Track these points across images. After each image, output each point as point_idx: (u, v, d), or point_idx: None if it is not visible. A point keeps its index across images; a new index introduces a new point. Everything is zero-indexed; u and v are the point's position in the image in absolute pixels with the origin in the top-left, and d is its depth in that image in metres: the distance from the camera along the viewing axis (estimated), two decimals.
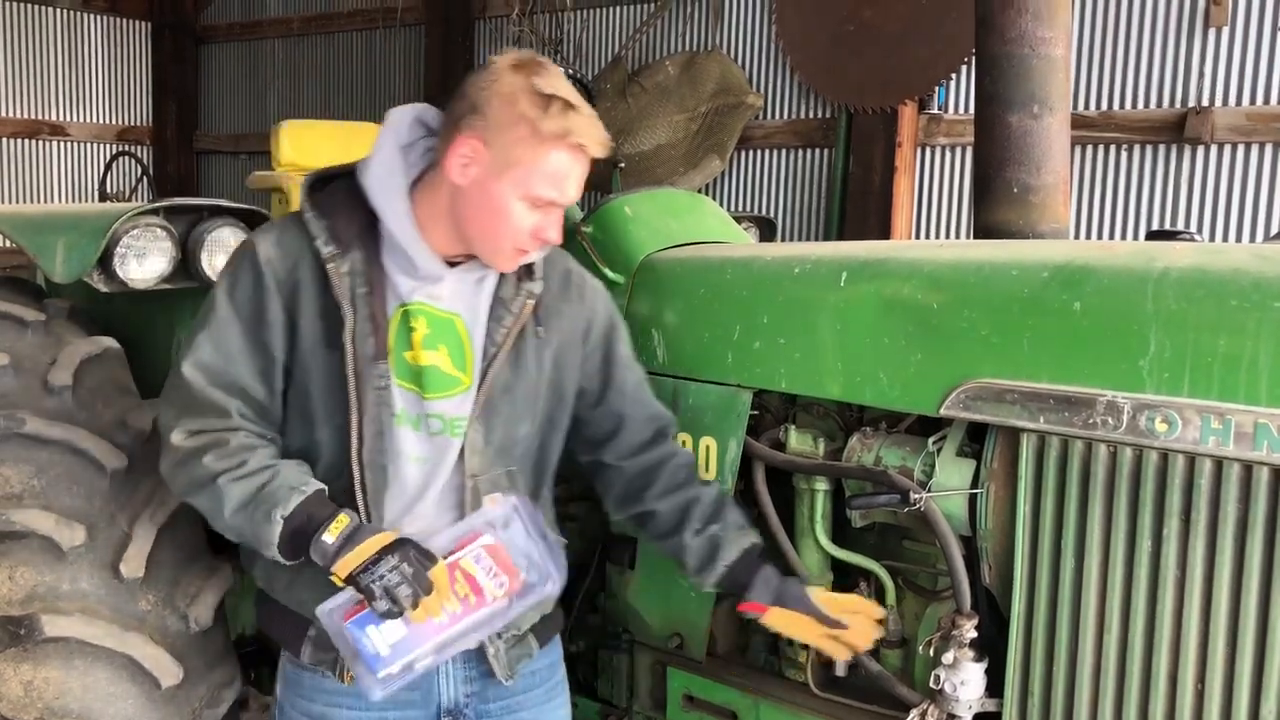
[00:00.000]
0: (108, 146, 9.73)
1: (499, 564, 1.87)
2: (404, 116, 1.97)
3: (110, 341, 2.58)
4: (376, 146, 1.95)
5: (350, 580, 1.79)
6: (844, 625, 2.02)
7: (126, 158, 9.42)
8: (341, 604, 1.83)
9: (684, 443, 2.32)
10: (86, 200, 9.49)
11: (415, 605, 1.77)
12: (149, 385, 2.71)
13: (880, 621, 2.07)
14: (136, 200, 8.14)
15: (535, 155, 1.83)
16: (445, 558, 1.85)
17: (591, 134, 1.86)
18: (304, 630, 1.95)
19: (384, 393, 1.88)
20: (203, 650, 2.35)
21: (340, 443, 1.89)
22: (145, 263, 2.58)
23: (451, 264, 1.94)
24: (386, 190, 1.91)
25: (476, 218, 1.88)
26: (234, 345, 1.89)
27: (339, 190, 1.96)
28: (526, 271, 2.00)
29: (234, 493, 1.84)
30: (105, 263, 2.52)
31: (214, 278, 2.71)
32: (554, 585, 1.94)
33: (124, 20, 9.85)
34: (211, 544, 2.55)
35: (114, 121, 9.86)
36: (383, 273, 1.91)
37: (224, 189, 9.62)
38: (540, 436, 2.05)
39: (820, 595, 2.06)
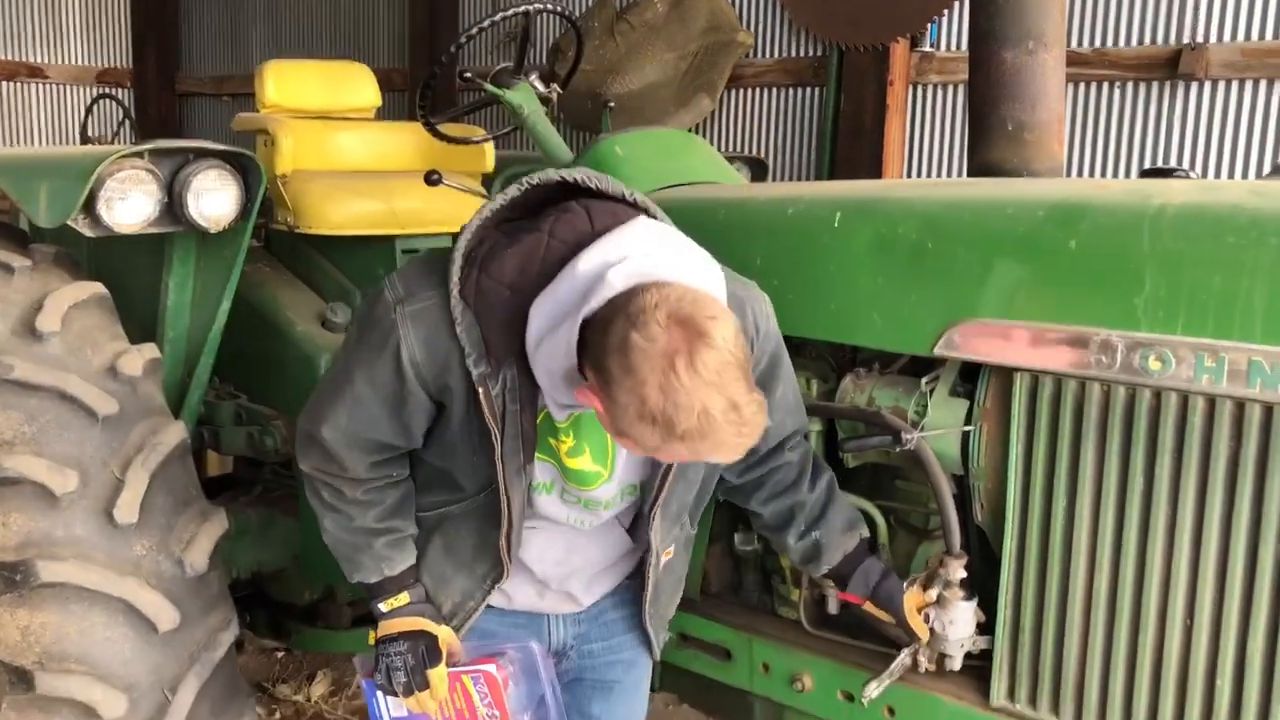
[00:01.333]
0: (88, 89, 9.58)
1: (494, 696, 1.94)
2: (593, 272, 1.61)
3: (98, 286, 2.56)
4: (558, 284, 1.63)
5: (376, 645, 1.95)
6: (920, 639, 2.02)
7: (108, 100, 9.27)
8: (369, 662, 2.01)
9: None
10: (68, 144, 9.37)
11: (407, 694, 1.92)
12: (136, 329, 2.70)
13: None
14: (119, 144, 8.03)
15: (657, 448, 1.57)
16: (456, 664, 1.95)
17: (724, 443, 1.55)
18: None
19: (525, 471, 1.81)
20: (198, 594, 2.36)
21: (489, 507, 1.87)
22: (130, 206, 2.55)
23: None
24: (552, 374, 1.66)
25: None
26: (374, 416, 1.80)
27: (497, 295, 1.68)
28: None
29: (331, 535, 1.95)
30: (90, 207, 2.49)
31: (200, 221, 2.68)
32: None
33: None
34: (205, 489, 2.55)
35: (93, 63, 9.69)
36: (534, 390, 1.73)
37: (207, 131, 9.49)
38: (704, 479, 1.99)
39: (912, 600, 2.02)
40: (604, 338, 1.53)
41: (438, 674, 1.92)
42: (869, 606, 2.07)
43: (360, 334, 1.80)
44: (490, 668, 1.94)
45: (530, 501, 1.88)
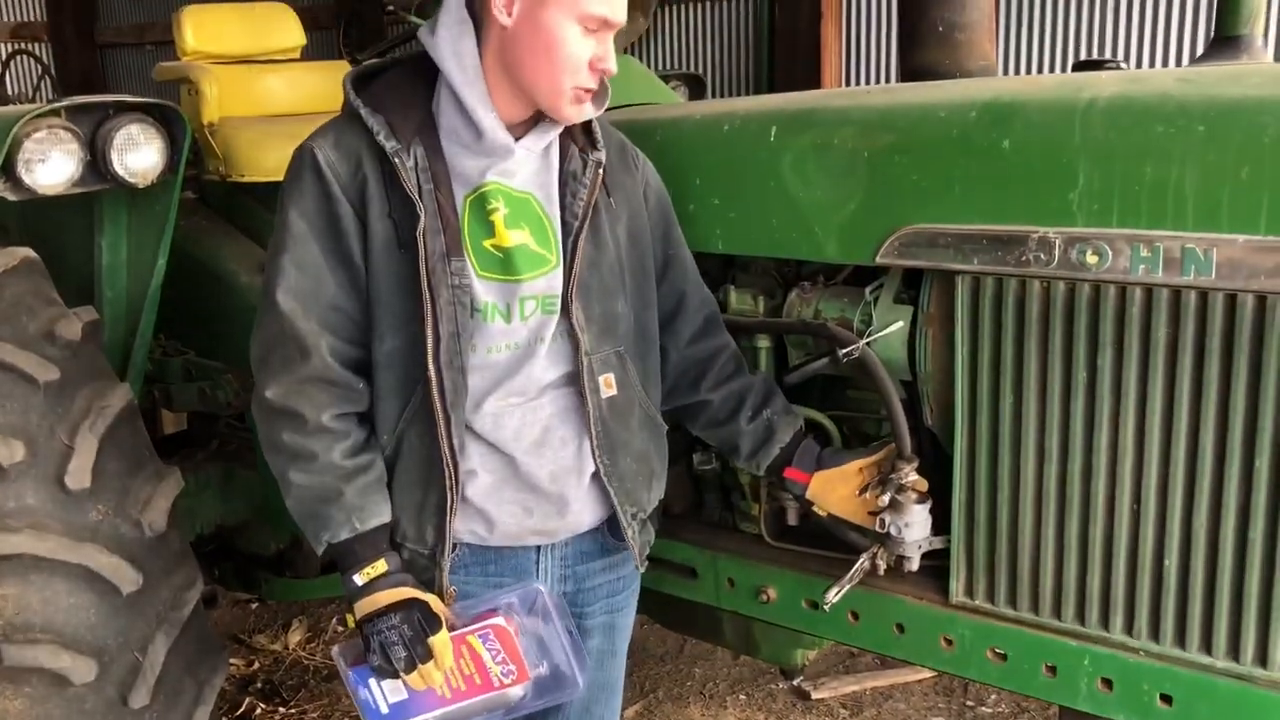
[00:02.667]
0: (2, 46, 9.26)
1: (506, 650, 1.81)
2: None
3: (27, 251, 2.50)
4: (443, 11, 1.85)
5: (359, 627, 1.81)
6: (887, 444, 2.05)
7: (24, 56, 8.98)
8: (353, 648, 1.84)
9: None
10: None
11: (409, 669, 1.78)
12: (72, 293, 2.65)
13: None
14: (40, 102, 7.80)
15: None
16: (456, 629, 1.81)
17: None
18: None
19: (461, 291, 1.81)
20: (160, 554, 2.35)
21: (415, 347, 1.81)
22: (52, 167, 2.48)
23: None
24: (458, 53, 1.81)
25: (530, 57, 1.78)
26: (317, 261, 1.81)
27: (387, 83, 1.87)
28: (589, 142, 1.93)
29: (297, 490, 1.84)
30: (9, 170, 2.43)
31: (126, 176, 2.63)
32: (574, 691, 1.90)
33: None
34: (161, 448, 2.53)
35: (6, 19, 9.37)
36: (445, 165, 1.83)
37: (133, 84, 9.24)
38: (635, 314, 2.00)
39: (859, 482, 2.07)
40: None
41: (440, 640, 1.79)
42: (817, 484, 2.07)
43: (284, 183, 1.87)
44: (497, 620, 1.82)
45: (467, 329, 1.82)
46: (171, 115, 2.69)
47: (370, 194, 1.81)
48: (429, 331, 1.79)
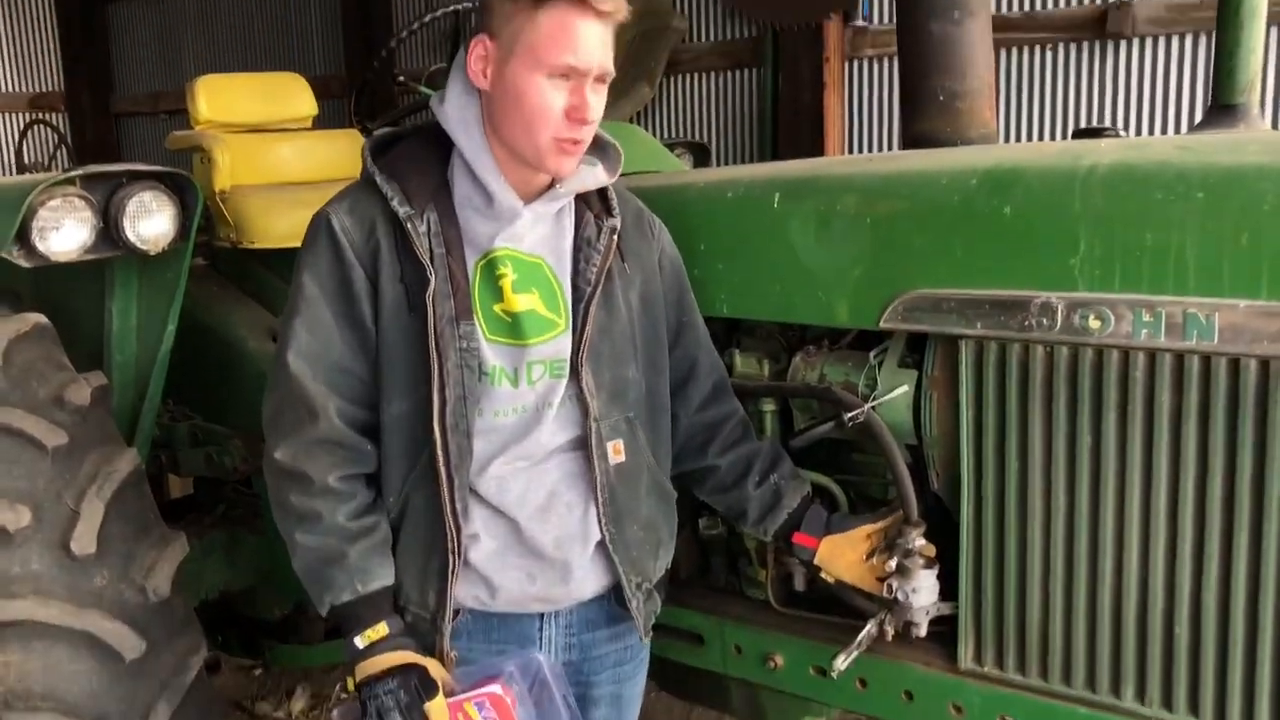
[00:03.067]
0: (20, 116, 9.43)
1: (502, 719, 1.79)
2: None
3: (39, 317, 2.53)
4: (450, 82, 1.90)
5: (358, 690, 1.81)
6: (896, 510, 2.04)
7: (42, 126, 9.13)
8: (352, 711, 1.83)
9: None
10: (4, 173, 9.21)
11: None
12: (83, 357, 2.67)
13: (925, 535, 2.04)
14: (56, 169, 7.92)
15: (535, 20, 1.75)
16: (454, 694, 1.80)
17: None
18: None
19: (469, 354, 1.83)
20: (164, 620, 2.34)
21: (422, 411, 1.83)
22: (66, 235, 2.52)
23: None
24: (465, 121, 1.86)
25: (507, 116, 1.81)
26: (328, 324, 1.84)
27: (404, 151, 1.92)
28: (605, 209, 1.96)
29: (302, 551, 1.84)
30: (23, 237, 2.46)
31: (138, 244, 2.67)
32: None
33: None
34: (167, 512, 2.53)
35: (24, 89, 9.54)
36: (458, 231, 1.86)
37: (147, 151, 9.37)
38: (646, 381, 2.01)
39: (864, 553, 2.06)
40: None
41: (436, 706, 1.77)
42: (825, 549, 2.06)
43: (301, 252, 1.89)
44: (494, 688, 1.80)
45: (474, 393, 1.83)
46: (183, 183, 2.73)
47: (383, 259, 1.83)
48: (435, 394, 1.80)
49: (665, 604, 2.15)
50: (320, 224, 1.87)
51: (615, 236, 1.94)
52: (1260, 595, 1.73)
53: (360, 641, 1.82)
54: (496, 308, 1.86)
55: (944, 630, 2.06)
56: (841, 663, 2.07)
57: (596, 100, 1.81)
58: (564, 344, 1.90)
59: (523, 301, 1.87)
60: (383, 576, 1.86)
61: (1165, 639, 1.83)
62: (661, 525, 2.06)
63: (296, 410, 1.84)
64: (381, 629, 1.83)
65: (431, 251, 1.82)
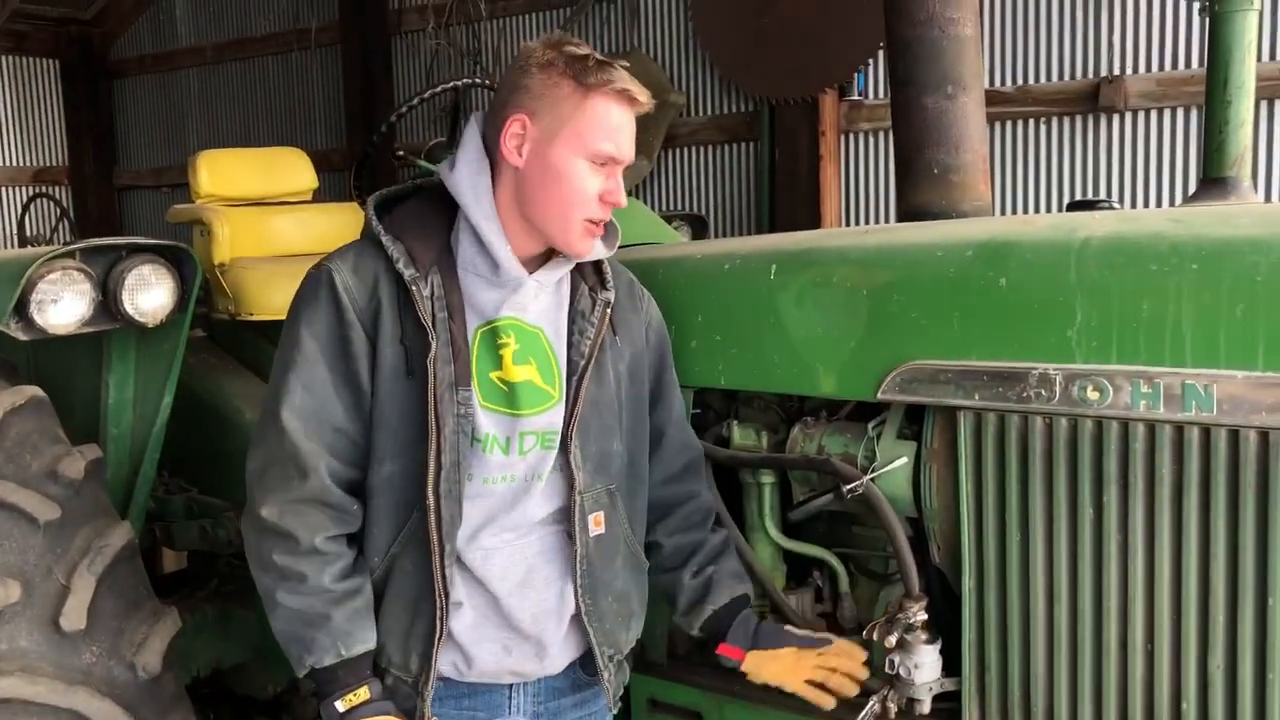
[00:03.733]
0: (23, 189, 9.51)
1: None
2: (480, 119, 1.95)
3: (35, 390, 2.52)
4: (461, 147, 1.91)
5: None
6: (828, 640, 2.03)
7: (44, 199, 9.20)
8: None
9: None
10: (7, 246, 9.27)
11: None
12: (78, 428, 2.66)
13: (865, 663, 2.04)
14: (58, 242, 7.97)
15: (583, 108, 1.81)
16: None
17: (634, 82, 1.84)
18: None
19: (465, 420, 1.83)
20: (154, 698, 2.30)
21: (413, 473, 1.82)
22: (64, 307, 2.52)
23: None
24: (476, 190, 1.86)
25: (541, 193, 1.84)
26: (325, 382, 1.83)
27: (409, 211, 1.92)
28: (599, 281, 1.98)
29: (283, 611, 1.82)
30: (22, 310, 2.46)
31: (136, 317, 2.67)
32: None
33: (31, 59, 9.62)
34: (160, 586, 2.50)
35: (28, 163, 9.64)
36: (460, 296, 1.86)
37: (149, 225, 9.45)
38: (628, 452, 2.01)
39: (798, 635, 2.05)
40: (501, 90, 1.88)
41: None
42: (752, 661, 2.04)
43: (297, 300, 1.88)
44: None
45: (466, 459, 1.82)
46: (183, 256, 2.74)
47: (383, 319, 1.83)
48: (431, 459, 1.80)
49: (663, 680, 2.12)
50: (321, 278, 1.85)
51: (609, 310, 1.95)
52: (1267, 668, 1.70)
53: (341, 705, 1.81)
54: (493, 375, 1.87)
55: (948, 706, 2.03)
56: None
57: (621, 184, 1.89)
58: (557, 416, 1.90)
59: (521, 372, 1.87)
60: (366, 640, 1.85)
61: (1173, 713, 1.80)
62: (634, 596, 2.06)
63: (286, 467, 1.82)
64: (363, 693, 1.82)
65: (434, 315, 1.82)
